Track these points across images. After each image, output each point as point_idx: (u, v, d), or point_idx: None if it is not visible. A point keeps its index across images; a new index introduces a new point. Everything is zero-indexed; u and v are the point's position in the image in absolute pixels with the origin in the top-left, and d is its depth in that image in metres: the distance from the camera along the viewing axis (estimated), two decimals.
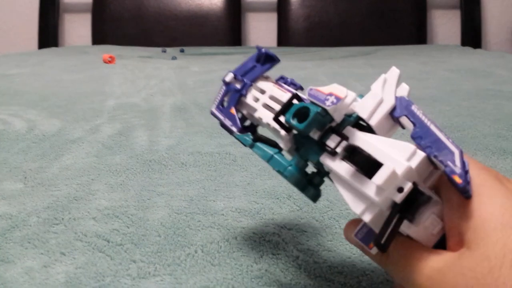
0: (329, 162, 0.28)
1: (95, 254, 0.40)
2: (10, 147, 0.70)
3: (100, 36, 2.51)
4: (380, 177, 0.25)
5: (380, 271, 0.37)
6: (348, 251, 0.40)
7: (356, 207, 0.27)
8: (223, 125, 0.37)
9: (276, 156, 0.32)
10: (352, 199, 0.27)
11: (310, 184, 0.32)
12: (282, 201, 0.51)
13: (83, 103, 1.00)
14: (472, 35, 2.45)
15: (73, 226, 0.45)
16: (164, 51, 2.18)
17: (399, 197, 0.25)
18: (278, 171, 0.32)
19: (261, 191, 0.53)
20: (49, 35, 2.53)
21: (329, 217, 0.46)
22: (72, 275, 0.37)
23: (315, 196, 0.32)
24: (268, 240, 0.42)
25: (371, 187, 0.26)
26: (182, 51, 2.20)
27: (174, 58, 1.86)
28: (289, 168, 0.31)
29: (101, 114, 0.90)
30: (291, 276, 0.36)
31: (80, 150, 0.69)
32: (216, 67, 1.58)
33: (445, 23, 2.56)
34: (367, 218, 0.26)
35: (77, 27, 2.64)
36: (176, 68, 1.56)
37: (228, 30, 2.51)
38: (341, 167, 0.28)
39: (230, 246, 0.41)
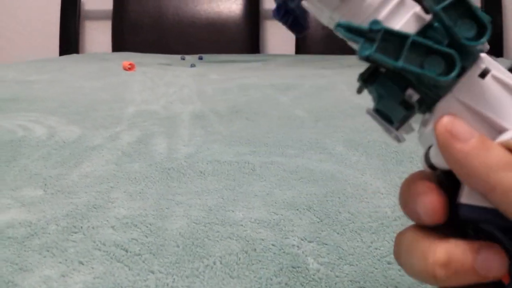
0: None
1: (114, 264, 0.39)
2: (30, 154, 0.70)
3: (120, 43, 2.53)
4: None
5: (404, 285, 0.36)
6: (371, 265, 0.39)
7: None
8: None
9: None
10: None
11: None
12: (302, 212, 0.50)
13: (102, 110, 1.01)
14: (493, 44, 2.41)
15: (92, 235, 0.45)
16: (183, 59, 2.19)
17: None
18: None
19: (281, 201, 0.53)
20: (70, 42, 2.56)
21: (351, 230, 0.45)
22: (90, 285, 0.36)
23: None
24: (287, 252, 0.41)
25: None
26: (201, 58, 2.21)
27: (193, 65, 1.87)
28: None
29: (120, 122, 0.90)
30: None
31: (99, 157, 0.69)
32: (235, 75, 1.58)
33: None
34: None
35: (97, 34, 2.68)
36: (195, 76, 1.56)
37: (246, 37, 2.52)
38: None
39: (249, 258, 0.40)
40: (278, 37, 2.63)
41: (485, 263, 0.23)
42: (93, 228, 0.46)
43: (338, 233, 0.45)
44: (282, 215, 0.49)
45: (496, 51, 2.37)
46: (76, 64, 1.90)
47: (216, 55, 2.32)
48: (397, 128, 0.25)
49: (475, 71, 0.24)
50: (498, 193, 0.21)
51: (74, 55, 2.38)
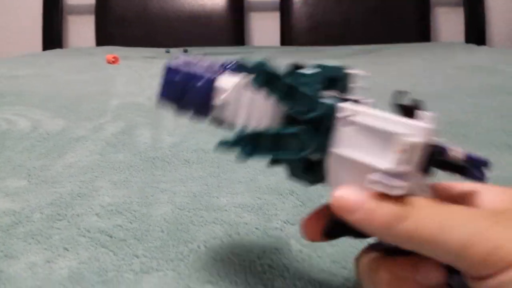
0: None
1: (98, 250, 0.40)
2: (14, 146, 0.70)
3: (104, 37, 2.51)
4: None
5: None
6: (352, 246, 0.40)
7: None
8: None
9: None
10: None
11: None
12: (285, 196, 0.50)
13: (87, 103, 1.01)
14: (476, 32, 2.44)
15: (76, 222, 0.45)
16: (168, 52, 2.18)
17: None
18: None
19: (264, 187, 0.53)
20: (53, 37, 2.54)
21: None
22: (75, 270, 0.37)
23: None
24: (270, 235, 0.42)
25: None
26: (185, 51, 2.20)
27: None
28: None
29: (105, 114, 0.90)
30: (294, 270, 0.36)
31: (83, 148, 0.69)
32: None
33: (448, 21, 2.55)
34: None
35: (81, 28, 2.65)
36: None
37: (231, 30, 2.51)
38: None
39: (233, 242, 0.41)
40: (263, 29, 2.63)
41: (425, 276, 0.25)
42: (77, 215, 0.46)
43: None
44: (265, 199, 0.50)
45: (479, 39, 2.39)
46: (61, 58, 1.88)
47: (201, 48, 2.31)
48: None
49: (337, 123, 0.27)
50: (400, 245, 0.24)
51: (59, 50, 2.36)
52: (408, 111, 0.26)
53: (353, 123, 0.27)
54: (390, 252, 0.27)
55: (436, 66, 1.46)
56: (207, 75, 0.33)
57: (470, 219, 0.22)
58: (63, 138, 0.74)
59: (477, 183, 0.26)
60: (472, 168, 0.25)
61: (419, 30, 2.44)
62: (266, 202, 0.49)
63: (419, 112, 0.26)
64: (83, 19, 2.63)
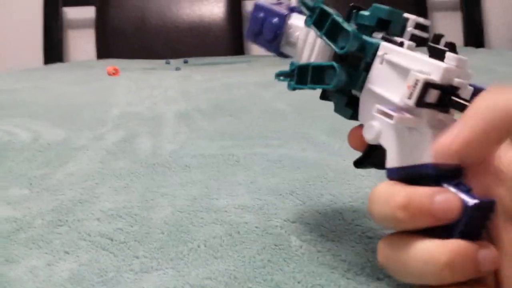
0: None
1: (99, 252, 0.40)
2: (15, 157, 0.70)
3: (104, 50, 2.53)
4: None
5: None
6: (352, 240, 0.40)
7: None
8: None
9: None
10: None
11: None
12: (285, 196, 0.51)
13: (87, 113, 1.01)
14: (474, 36, 2.44)
15: (77, 227, 0.45)
16: (168, 63, 2.19)
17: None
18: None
19: (264, 188, 0.53)
20: (54, 51, 2.55)
21: (333, 210, 0.46)
22: (76, 271, 0.37)
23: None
24: (270, 233, 0.42)
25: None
26: (185, 62, 2.22)
27: (178, 68, 1.87)
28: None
29: (105, 123, 0.91)
30: (294, 264, 0.36)
31: (84, 157, 0.69)
32: (219, 75, 1.59)
33: (446, 25, 2.56)
34: None
35: (81, 43, 2.67)
36: (180, 78, 1.57)
37: (230, 40, 2.52)
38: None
39: (232, 240, 0.41)
40: None
41: (441, 206, 0.25)
42: (78, 220, 0.46)
43: (320, 213, 0.46)
44: (265, 200, 0.50)
45: (477, 43, 2.40)
46: (61, 71, 1.90)
47: (201, 58, 2.33)
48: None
49: (375, 61, 0.31)
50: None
51: (59, 64, 2.37)
52: (439, 53, 0.29)
53: (385, 60, 0.30)
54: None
55: None
56: (282, 12, 0.37)
57: None
58: (64, 147, 0.74)
59: None
60: None
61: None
62: (266, 202, 0.49)
63: (449, 55, 0.28)
64: (83, 33, 2.65)
